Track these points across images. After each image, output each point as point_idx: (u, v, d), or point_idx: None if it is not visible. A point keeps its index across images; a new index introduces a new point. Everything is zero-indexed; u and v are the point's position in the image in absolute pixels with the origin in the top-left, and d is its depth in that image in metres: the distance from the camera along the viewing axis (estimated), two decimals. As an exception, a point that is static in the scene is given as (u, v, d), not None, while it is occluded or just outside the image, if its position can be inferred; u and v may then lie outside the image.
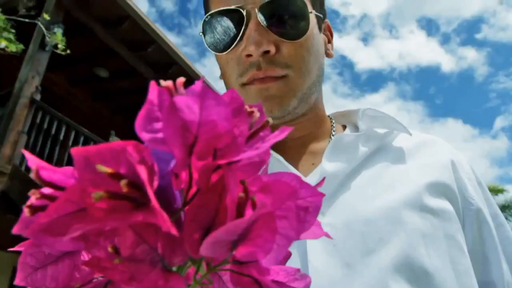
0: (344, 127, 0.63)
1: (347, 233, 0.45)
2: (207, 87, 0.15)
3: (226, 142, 0.16)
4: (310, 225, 0.19)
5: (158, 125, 0.15)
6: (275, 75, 0.51)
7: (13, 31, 3.48)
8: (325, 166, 0.50)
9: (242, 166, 0.17)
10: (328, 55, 0.61)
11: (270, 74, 0.51)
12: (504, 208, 9.89)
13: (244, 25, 0.50)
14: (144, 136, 0.15)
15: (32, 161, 0.15)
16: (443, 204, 0.49)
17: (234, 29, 0.52)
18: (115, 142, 0.14)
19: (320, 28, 0.57)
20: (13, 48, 3.40)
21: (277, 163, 0.53)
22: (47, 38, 3.95)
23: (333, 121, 0.64)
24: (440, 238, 0.46)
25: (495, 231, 0.54)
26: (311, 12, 0.51)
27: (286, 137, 0.58)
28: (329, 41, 0.62)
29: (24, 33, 3.98)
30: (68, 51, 3.90)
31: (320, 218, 0.46)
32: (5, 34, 3.40)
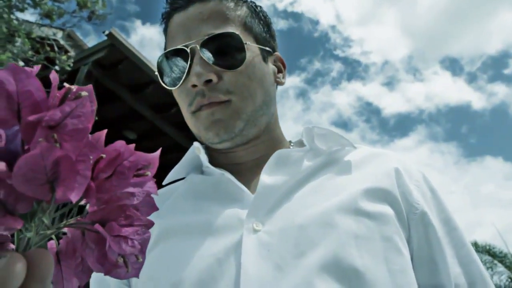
0: None
1: (281, 238, 0.47)
2: (17, 65, 0.21)
3: (45, 108, 0.21)
4: (129, 180, 0.24)
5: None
6: (219, 100, 0.57)
7: (47, 101, 3.81)
8: (264, 180, 0.53)
9: (69, 131, 0.22)
10: (278, 83, 0.66)
11: (214, 100, 0.57)
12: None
13: (189, 61, 0.57)
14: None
15: None
16: (382, 208, 0.51)
17: (182, 66, 0.59)
18: None
19: (264, 59, 0.63)
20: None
21: (229, 182, 0.57)
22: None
23: (292, 144, 0.68)
24: (376, 239, 0.48)
25: (448, 235, 0.54)
26: (246, 44, 0.58)
27: (241, 160, 0.63)
28: (280, 71, 0.68)
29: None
30: (96, 118, 4.18)
31: (259, 227, 0.49)
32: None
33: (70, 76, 4.41)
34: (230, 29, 0.59)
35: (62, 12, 4.00)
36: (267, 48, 0.64)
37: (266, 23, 0.67)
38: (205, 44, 0.57)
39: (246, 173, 0.61)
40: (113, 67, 5.00)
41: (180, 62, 0.60)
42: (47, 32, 4.46)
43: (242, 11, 0.62)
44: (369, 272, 0.45)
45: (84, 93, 0.22)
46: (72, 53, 4.59)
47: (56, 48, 4.15)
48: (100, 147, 0.24)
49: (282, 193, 0.53)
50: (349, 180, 0.55)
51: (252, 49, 0.60)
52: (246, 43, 0.58)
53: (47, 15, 3.88)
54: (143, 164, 0.24)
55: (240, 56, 0.58)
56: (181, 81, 0.59)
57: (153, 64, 5.10)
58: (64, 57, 3.99)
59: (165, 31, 0.66)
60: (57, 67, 4.17)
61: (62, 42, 4.71)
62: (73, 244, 0.27)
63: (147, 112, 5.66)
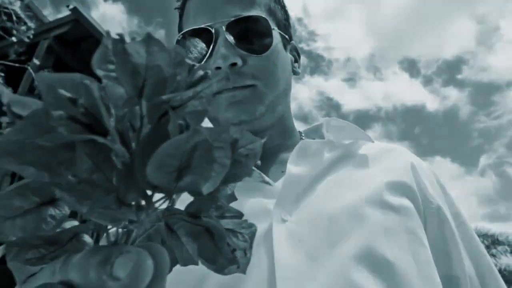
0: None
1: (312, 229, 0.47)
2: (153, 36, 0.19)
3: (170, 86, 0.20)
4: (249, 168, 0.22)
5: (112, 66, 0.18)
6: (243, 85, 0.55)
7: (2, 75, 3.55)
8: (291, 169, 0.53)
9: (187, 113, 0.21)
10: (295, 72, 0.66)
11: (238, 84, 0.55)
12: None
13: (213, 42, 0.55)
14: (100, 72, 0.18)
15: (6, 95, 0.18)
16: (404, 201, 0.52)
17: (203, 47, 0.56)
18: (75, 74, 0.17)
19: (285, 47, 0.62)
20: (1, 91, 3.44)
21: None
22: (36, 82, 4.02)
23: (303, 135, 0.68)
24: (401, 232, 0.49)
25: (457, 229, 0.57)
26: (273, 29, 0.56)
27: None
28: (296, 60, 0.67)
29: (14, 77, 4.05)
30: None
31: (287, 217, 0.49)
32: (-6, 77, 3.47)
33: (29, 50, 4.12)
34: (256, 12, 0.57)
35: (21, -20, 3.72)
36: (287, 36, 0.63)
37: (286, 11, 0.66)
38: (231, 26, 0.55)
39: (262, 161, 0.60)
40: (76, 44, 4.74)
41: (200, 42, 0.57)
42: (3, 0, 4.12)
43: None
44: (399, 263, 0.46)
45: (210, 72, 0.20)
46: (31, 24, 4.29)
47: (14, 18, 3.85)
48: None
49: (306, 184, 0.53)
50: (370, 173, 0.56)
51: (276, 35, 0.59)
52: (273, 28, 0.57)
53: (5, -19, 3.59)
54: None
55: (267, 41, 0.56)
56: (202, 62, 0.57)
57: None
58: (23, 28, 3.71)
59: (182, 8, 0.63)
60: (14, 39, 3.88)
61: (19, 12, 4.37)
62: (148, 235, 0.25)
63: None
